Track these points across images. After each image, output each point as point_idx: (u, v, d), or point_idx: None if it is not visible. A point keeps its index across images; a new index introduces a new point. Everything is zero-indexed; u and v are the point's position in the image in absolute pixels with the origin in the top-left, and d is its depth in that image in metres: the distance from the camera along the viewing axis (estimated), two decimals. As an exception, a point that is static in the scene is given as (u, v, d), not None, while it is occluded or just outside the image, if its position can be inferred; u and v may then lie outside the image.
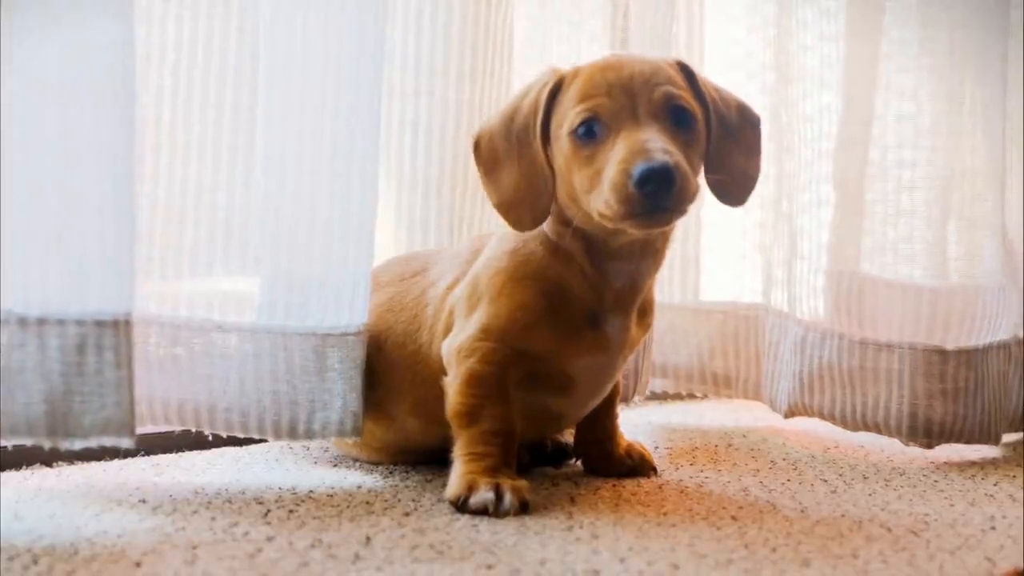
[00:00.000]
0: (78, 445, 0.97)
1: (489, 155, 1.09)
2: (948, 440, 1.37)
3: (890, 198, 1.44)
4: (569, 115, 1.04)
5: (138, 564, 0.85)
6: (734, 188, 1.11)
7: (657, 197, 0.97)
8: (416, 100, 1.33)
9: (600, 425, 1.22)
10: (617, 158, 0.99)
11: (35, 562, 0.85)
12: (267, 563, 0.86)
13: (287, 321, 1.12)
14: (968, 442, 1.38)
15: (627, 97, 1.02)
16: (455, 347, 1.09)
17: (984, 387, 1.38)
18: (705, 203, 1.60)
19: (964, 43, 1.43)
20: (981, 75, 1.43)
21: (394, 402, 1.16)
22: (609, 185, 0.99)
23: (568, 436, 1.28)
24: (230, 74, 1.15)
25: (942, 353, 1.37)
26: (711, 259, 1.63)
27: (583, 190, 1.03)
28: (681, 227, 1.57)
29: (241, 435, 1.14)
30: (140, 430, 1.23)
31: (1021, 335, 1.46)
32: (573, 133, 1.03)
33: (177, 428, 1.14)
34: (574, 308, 1.08)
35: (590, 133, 1.02)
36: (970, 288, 1.44)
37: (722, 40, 1.60)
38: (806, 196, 1.46)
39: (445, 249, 1.27)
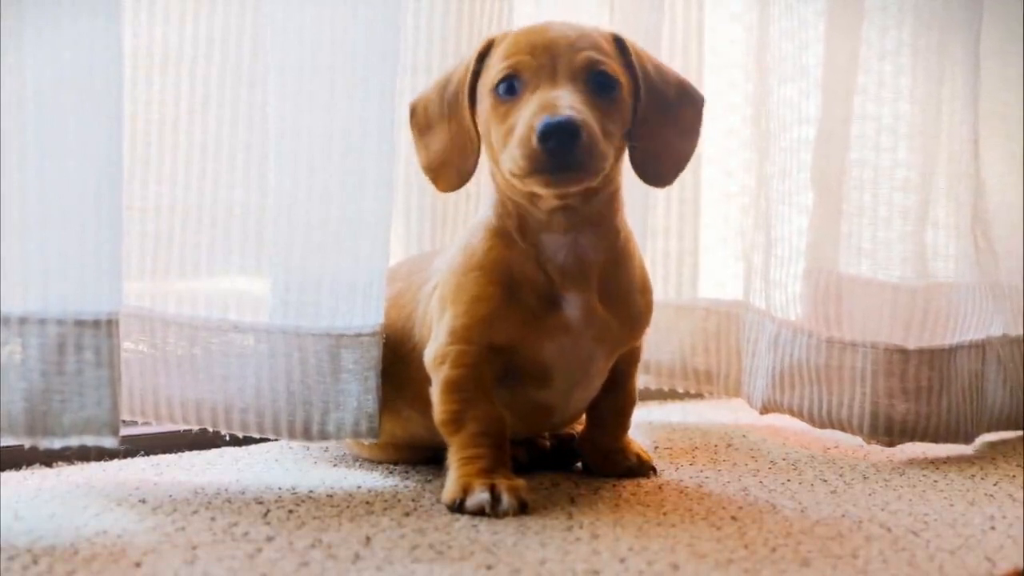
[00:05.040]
0: (58, 444, 0.96)
1: (424, 119, 1.12)
2: (911, 439, 1.37)
3: (866, 198, 1.43)
4: (491, 72, 1.06)
5: (138, 564, 0.85)
6: (657, 165, 1.11)
7: (560, 154, 0.98)
8: (401, 97, 1.32)
9: (610, 425, 1.21)
10: (526, 114, 1.00)
11: (35, 562, 0.85)
12: (267, 563, 0.86)
13: (300, 321, 1.12)
14: (934, 441, 1.37)
15: (549, 57, 1.03)
16: (431, 355, 1.10)
17: (950, 387, 1.37)
18: (703, 201, 1.61)
19: (943, 44, 1.42)
20: (957, 75, 1.42)
21: (398, 395, 1.16)
22: (516, 140, 1.00)
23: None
24: (244, 72, 1.15)
25: (903, 352, 1.36)
26: (705, 257, 1.63)
27: (499, 148, 1.04)
28: (677, 223, 1.59)
29: (257, 435, 1.14)
30: (144, 430, 1.25)
31: (1015, 334, 1.46)
32: (494, 90, 1.05)
33: (195, 427, 1.15)
34: (527, 291, 1.08)
35: (511, 90, 1.04)
36: (934, 287, 1.43)
37: (722, 40, 1.60)
38: (785, 193, 1.45)
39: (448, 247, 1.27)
